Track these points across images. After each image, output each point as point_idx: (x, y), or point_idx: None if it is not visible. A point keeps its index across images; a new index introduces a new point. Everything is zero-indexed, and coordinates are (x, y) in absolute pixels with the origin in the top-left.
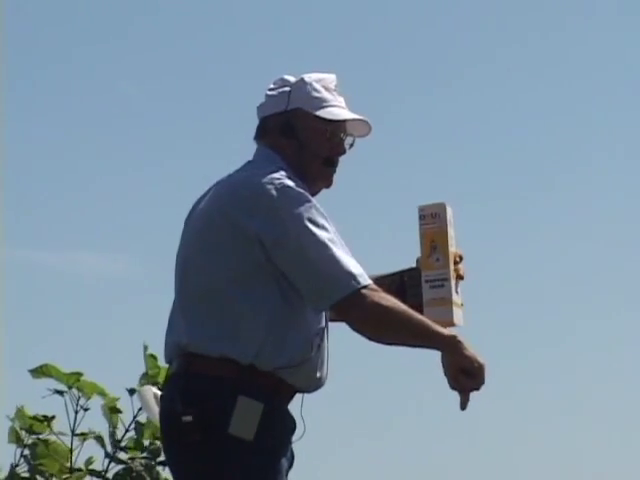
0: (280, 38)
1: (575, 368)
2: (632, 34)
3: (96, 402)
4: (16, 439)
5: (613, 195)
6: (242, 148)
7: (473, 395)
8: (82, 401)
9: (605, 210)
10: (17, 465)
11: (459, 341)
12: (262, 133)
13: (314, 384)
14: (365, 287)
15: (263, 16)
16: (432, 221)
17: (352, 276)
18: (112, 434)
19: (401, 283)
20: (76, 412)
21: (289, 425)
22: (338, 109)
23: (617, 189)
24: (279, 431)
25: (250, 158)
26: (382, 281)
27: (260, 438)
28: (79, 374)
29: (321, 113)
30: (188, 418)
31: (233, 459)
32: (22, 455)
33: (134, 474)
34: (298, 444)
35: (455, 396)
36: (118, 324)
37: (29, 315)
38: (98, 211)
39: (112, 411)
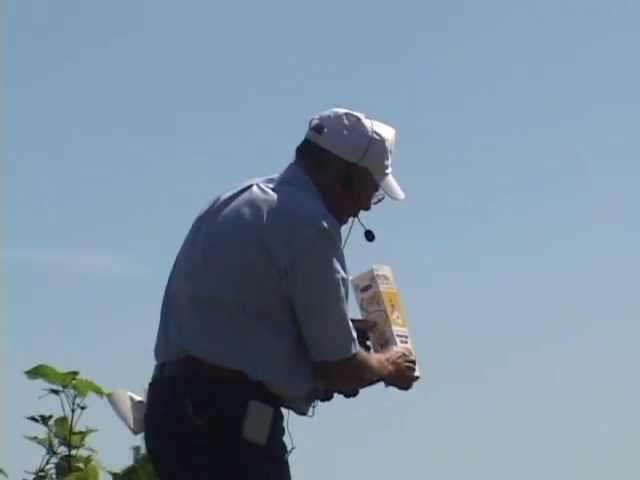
0: (281, 36)
1: (573, 370)
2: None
3: (93, 400)
4: (49, 445)
5: (611, 198)
6: (243, 148)
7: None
8: (78, 400)
9: (602, 214)
10: (43, 470)
11: (396, 375)
12: (318, 164)
13: (307, 411)
14: (355, 355)
15: (264, 15)
16: (385, 282)
17: (351, 342)
18: None
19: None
20: (73, 411)
21: (282, 428)
22: (392, 179)
23: (616, 192)
24: (281, 434)
25: (254, 159)
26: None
27: (271, 442)
28: (75, 373)
29: (383, 184)
30: (199, 421)
31: (247, 463)
32: (48, 461)
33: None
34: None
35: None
36: (120, 323)
37: (29, 315)
38: (99, 210)
39: None
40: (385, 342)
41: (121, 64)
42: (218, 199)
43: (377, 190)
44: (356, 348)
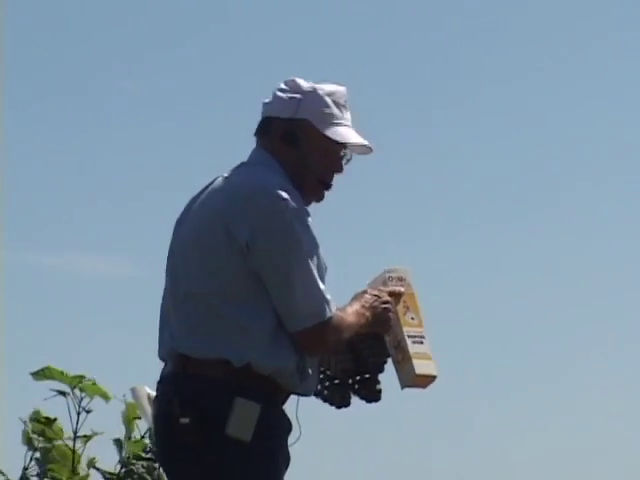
0: (282, 36)
1: (573, 370)
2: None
3: (98, 403)
4: (28, 442)
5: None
6: (244, 148)
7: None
8: (84, 403)
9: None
10: (27, 468)
11: (373, 319)
12: (262, 133)
13: (307, 388)
14: (329, 319)
15: (265, 14)
16: (400, 284)
17: (324, 306)
18: (122, 440)
19: (356, 353)
20: (78, 414)
21: (285, 426)
22: (346, 129)
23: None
24: (276, 432)
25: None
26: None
27: (258, 439)
28: (81, 377)
29: (329, 133)
30: (185, 420)
31: (232, 460)
32: (33, 458)
33: (135, 476)
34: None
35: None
36: (120, 325)
37: (29, 318)
38: (98, 212)
39: (131, 420)
40: (397, 344)
41: (122, 64)
42: (191, 199)
43: (328, 143)
44: (331, 311)
